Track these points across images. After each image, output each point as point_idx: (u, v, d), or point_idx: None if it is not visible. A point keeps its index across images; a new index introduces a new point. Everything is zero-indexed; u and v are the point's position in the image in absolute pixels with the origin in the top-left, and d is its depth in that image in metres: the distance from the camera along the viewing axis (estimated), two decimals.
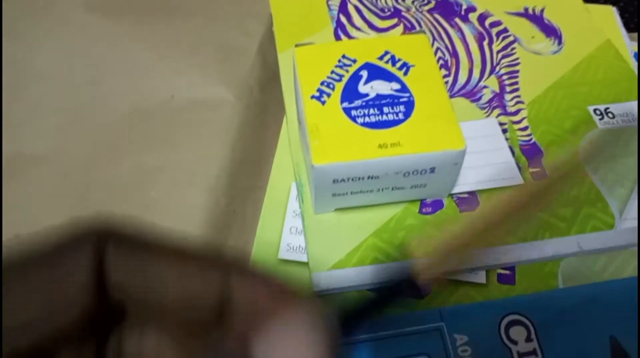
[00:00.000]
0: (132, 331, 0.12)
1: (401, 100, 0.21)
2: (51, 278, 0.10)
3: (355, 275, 0.22)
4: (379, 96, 0.22)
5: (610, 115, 0.27)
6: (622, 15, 0.32)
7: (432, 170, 0.21)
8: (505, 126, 0.26)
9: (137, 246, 0.11)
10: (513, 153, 0.25)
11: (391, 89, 0.22)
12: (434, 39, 0.30)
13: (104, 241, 0.11)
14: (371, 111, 0.21)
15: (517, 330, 0.19)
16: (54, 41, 0.31)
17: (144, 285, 0.11)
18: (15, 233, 0.25)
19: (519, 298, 0.19)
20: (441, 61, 0.29)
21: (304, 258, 0.23)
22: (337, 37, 0.30)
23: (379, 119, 0.21)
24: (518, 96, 0.27)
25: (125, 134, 0.29)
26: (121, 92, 0.30)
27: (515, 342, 0.18)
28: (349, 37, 0.30)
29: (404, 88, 0.22)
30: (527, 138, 0.26)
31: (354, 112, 0.21)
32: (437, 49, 0.29)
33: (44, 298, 0.10)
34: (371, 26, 0.30)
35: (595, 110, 0.27)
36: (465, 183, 0.24)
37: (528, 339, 0.18)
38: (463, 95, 0.28)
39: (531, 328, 0.19)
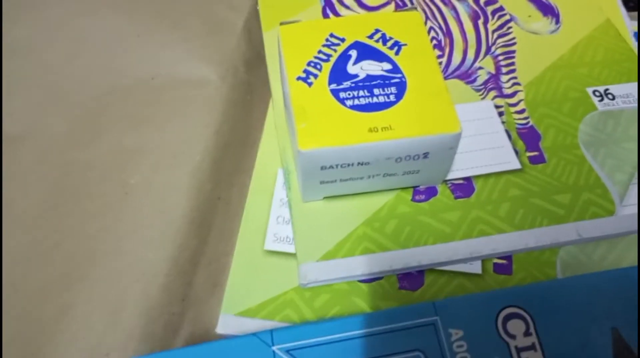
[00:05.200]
0: None
1: (392, 81, 0.20)
2: None
3: (345, 266, 0.21)
4: (369, 77, 0.20)
5: (610, 96, 0.26)
6: None
7: (426, 155, 0.20)
8: (502, 109, 0.25)
9: None
10: (510, 136, 0.24)
11: (382, 69, 0.20)
12: (427, 17, 0.28)
13: None
14: (361, 92, 0.20)
15: (515, 323, 0.18)
16: (30, 13, 0.29)
17: None
18: None
19: (517, 290, 0.18)
20: (434, 41, 0.27)
21: (291, 249, 0.22)
22: (325, 16, 0.28)
23: (369, 102, 0.20)
24: (514, 78, 0.26)
25: (104, 113, 0.27)
26: (100, 68, 0.28)
27: (513, 336, 0.17)
28: (338, 16, 0.28)
29: (395, 68, 0.20)
30: (524, 121, 0.25)
31: (342, 94, 0.20)
32: (430, 28, 0.28)
33: None
34: (361, 4, 0.29)
35: (594, 91, 0.26)
36: (460, 168, 0.23)
37: (527, 333, 0.17)
38: (457, 77, 0.26)
39: (530, 321, 0.18)
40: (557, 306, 0.18)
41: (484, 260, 0.22)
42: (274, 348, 0.17)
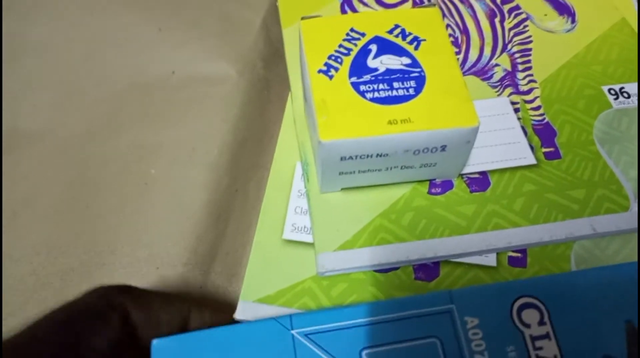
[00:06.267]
0: None
1: (412, 75, 0.21)
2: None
3: (362, 256, 0.21)
4: (388, 71, 0.21)
5: (625, 95, 0.26)
6: None
7: (443, 148, 0.20)
8: (517, 105, 0.25)
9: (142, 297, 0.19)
10: (525, 132, 0.24)
11: (401, 63, 0.21)
12: (444, 15, 0.29)
13: (123, 300, 0.18)
14: (380, 86, 0.20)
15: (529, 313, 0.18)
16: (49, 12, 0.30)
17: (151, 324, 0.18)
18: (13, 210, 0.25)
19: (532, 281, 0.19)
20: (451, 38, 0.28)
21: (309, 239, 0.23)
22: (344, 13, 0.29)
23: (388, 95, 0.20)
24: (530, 75, 0.26)
25: (123, 110, 0.28)
26: (119, 66, 0.29)
27: (528, 325, 0.18)
28: (356, 12, 0.29)
29: (414, 63, 0.21)
30: (540, 118, 0.25)
31: (362, 87, 0.20)
32: (447, 25, 0.28)
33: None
34: (379, 1, 0.29)
35: (609, 90, 0.26)
36: (476, 163, 0.24)
37: (541, 322, 0.18)
38: (474, 73, 0.27)
39: (544, 311, 0.18)
40: (572, 297, 0.18)
41: (499, 252, 0.22)
42: (293, 332, 0.18)
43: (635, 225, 0.22)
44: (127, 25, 0.30)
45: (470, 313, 0.18)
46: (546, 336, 0.18)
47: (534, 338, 0.17)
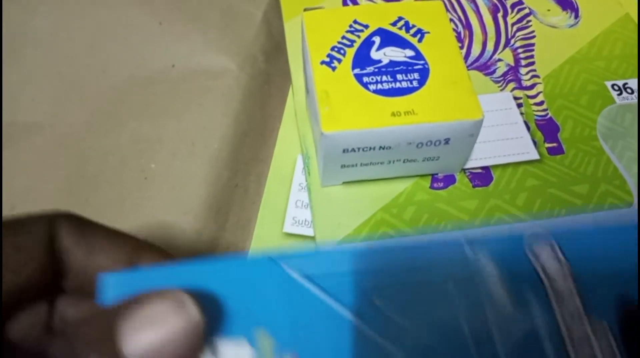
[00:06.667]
0: (72, 298, 0.14)
1: (415, 67, 0.20)
2: (14, 240, 0.13)
3: None
4: (392, 63, 0.20)
5: (628, 90, 0.26)
6: None
7: (447, 141, 0.20)
8: (520, 101, 0.25)
9: (83, 225, 0.15)
10: (528, 127, 0.24)
11: (405, 56, 0.21)
12: (447, 9, 0.28)
13: (56, 218, 0.14)
14: (384, 77, 0.20)
15: (542, 248, 0.17)
16: (50, 4, 0.30)
17: (86, 253, 0.14)
18: (12, 203, 0.24)
19: (546, 222, 0.19)
20: (454, 33, 0.27)
21: (310, 232, 0.22)
22: (346, 5, 0.29)
23: (392, 87, 0.20)
24: (534, 70, 0.26)
25: (123, 103, 0.27)
26: (120, 58, 0.29)
27: (540, 259, 0.17)
28: (358, 4, 0.28)
29: (418, 55, 0.21)
30: (543, 113, 0.25)
31: (365, 79, 0.20)
32: (450, 19, 0.28)
33: (8, 257, 0.12)
34: None
35: (613, 85, 0.26)
36: (479, 157, 0.23)
37: (555, 258, 0.17)
38: (476, 68, 0.26)
39: (556, 247, 0.17)
40: (585, 236, 0.18)
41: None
42: (290, 271, 0.15)
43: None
44: (127, 18, 0.30)
45: (484, 253, 0.17)
46: (560, 270, 0.17)
47: (546, 271, 0.17)
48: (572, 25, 0.28)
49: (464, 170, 0.23)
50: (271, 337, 0.14)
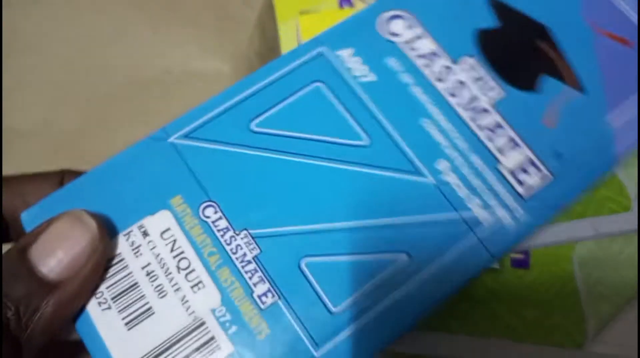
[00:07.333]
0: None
1: None
2: None
3: None
4: None
5: None
6: None
7: None
8: None
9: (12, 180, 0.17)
10: None
11: None
12: None
13: None
14: None
15: (396, 23, 0.18)
16: (43, 8, 0.29)
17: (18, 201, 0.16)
18: None
19: None
20: None
21: None
22: (342, 8, 0.28)
23: None
24: None
25: (118, 107, 0.27)
26: (115, 63, 0.28)
27: (397, 34, 0.18)
28: (353, 7, 0.28)
29: None
30: None
31: None
32: None
33: None
34: None
35: None
36: None
37: (409, 27, 0.18)
38: None
39: (409, 16, 0.18)
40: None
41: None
42: (171, 140, 0.16)
43: (638, 225, 0.22)
44: (123, 22, 0.29)
45: (342, 46, 0.18)
46: (419, 36, 0.17)
47: (408, 42, 0.17)
48: None
49: None
50: (181, 196, 0.15)
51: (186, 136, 0.16)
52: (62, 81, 0.28)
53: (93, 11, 0.29)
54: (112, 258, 0.15)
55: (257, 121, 0.16)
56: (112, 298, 0.14)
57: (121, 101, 0.27)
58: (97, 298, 0.14)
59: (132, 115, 0.26)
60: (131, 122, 0.26)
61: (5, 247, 0.15)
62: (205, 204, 0.15)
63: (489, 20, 0.18)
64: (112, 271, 0.14)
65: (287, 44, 0.27)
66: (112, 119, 0.26)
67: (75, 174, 0.18)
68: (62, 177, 0.18)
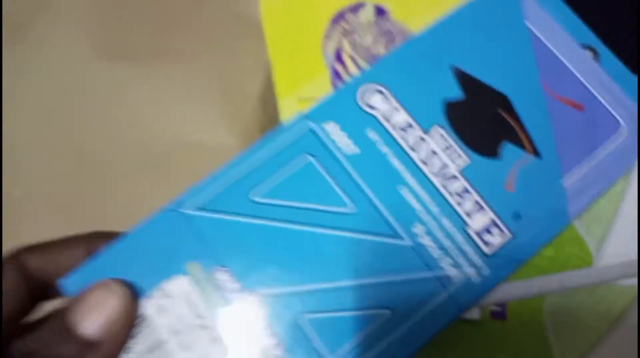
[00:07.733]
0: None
1: None
2: None
3: None
4: None
5: None
6: None
7: None
8: None
9: (40, 246, 0.19)
10: None
11: None
12: None
13: (19, 253, 0.18)
14: None
15: (374, 97, 0.20)
16: (42, 64, 0.31)
17: (55, 267, 0.18)
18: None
19: (371, 70, 0.21)
20: None
21: None
22: (334, 82, 0.32)
23: None
24: None
25: (122, 177, 0.30)
26: (121, 135, 0.31)
27: (375, 108, 0.20)
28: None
29: None
30: None
31: None
32: None
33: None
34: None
35: None
36: None
37: (385, 100, 0.20)
38: None
39: (385, 91, 0.20)
40: (403, 67, 0.20)
41: (482, 307, 0.24)
42: (184, 211, 0.19)
43: (600, 279, 0.25)
44: (130, 95, 0.32)
45: (328, 120, 0.20)
46: (395, 109, 0.19)
47: (385, 115, 0.19)
48: None
49: None
50: (197, 262, 0.18)
51: (198, 208, 0.19)
52: (67, 151, 0.30)
53: (100, 85, 0.32)
54: (139, 318, 0.17)
55: (258, 192, 0.19)
56: (141, 353, 0.17)
57: (126, 171, 0.30)
58: (127, 354, 0.17)
59: (136, 186, 0.29)
60: (134, 193, 0.29)
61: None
62: (217, 268, 0.18)
63: (455, 91, 0.20)
64: (139, 329, 0.17)
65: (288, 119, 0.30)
66: (115, 188, 0.29)
67: (104, 235, 0.20)
68: (91, 240, 0.21)
